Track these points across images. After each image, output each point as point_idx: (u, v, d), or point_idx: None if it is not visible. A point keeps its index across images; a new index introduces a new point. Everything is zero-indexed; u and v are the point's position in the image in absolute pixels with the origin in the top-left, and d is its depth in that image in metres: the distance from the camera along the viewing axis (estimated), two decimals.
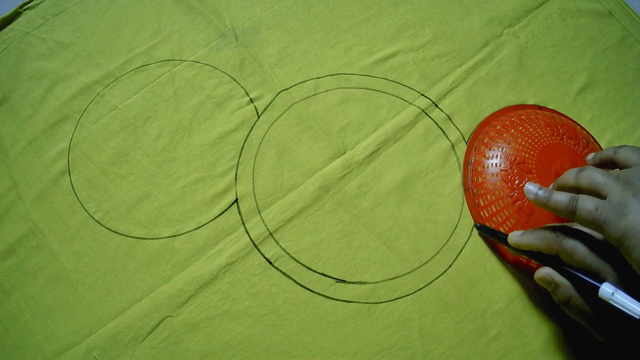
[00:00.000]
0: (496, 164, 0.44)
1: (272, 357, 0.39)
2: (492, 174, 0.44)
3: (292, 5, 0.55)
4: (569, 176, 0.35)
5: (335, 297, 0.41)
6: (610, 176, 0.32)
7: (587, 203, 0.31)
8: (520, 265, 0.42)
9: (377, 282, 0.42)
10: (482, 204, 0.44)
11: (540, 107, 0.50)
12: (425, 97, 0.50)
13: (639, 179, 0.31)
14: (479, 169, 0.45)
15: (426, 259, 0.43)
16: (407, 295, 0.42)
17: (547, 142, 0.43)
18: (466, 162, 0.47)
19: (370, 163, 0.47)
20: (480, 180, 0.44)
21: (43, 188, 0.46)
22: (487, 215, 0.43)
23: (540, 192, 0.35)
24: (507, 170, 0.43)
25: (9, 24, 0.54)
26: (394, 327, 0.40)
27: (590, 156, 0.39)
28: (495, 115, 0.49)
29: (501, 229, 0.42)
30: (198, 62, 0.51)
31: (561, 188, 0.36)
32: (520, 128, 0.45)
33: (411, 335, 0.40)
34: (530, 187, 0.36)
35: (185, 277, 0.42)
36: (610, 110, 0.50)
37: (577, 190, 0.34)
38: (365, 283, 0.42)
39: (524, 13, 0.55)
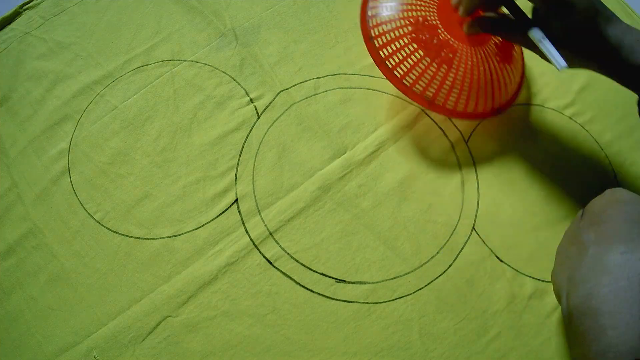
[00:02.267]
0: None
1: (272, 357, 0.39)
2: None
3: (292, 5, 0.55)
4: None
5: (335, 297, 0.41)
6: None
7: None
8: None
9: (377, 282, 0.42)
10: (382, 42, 0.43)
11: None
12: None
13: None
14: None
15: (426, 259, 0.43)
16: (407, 295, 0.42)
17: None
18: (363, 15, 0.45)
19: (370, 163, 0.47)
20: (378, 22, 0.44)
21: (43, 188, 0.46)
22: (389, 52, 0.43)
23: None
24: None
25: (9, 24, 0.54)
26: (394, 327, 0.40)
27: None
28: None
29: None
30: (198, 62, 0.51)
31: None
32: None
33: (411, 335, 0.40)
34: None
35: (185, 277, 0.42)
36: (610, 110, 0.50)
37: None
38: (365, 283, 0.42)
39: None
